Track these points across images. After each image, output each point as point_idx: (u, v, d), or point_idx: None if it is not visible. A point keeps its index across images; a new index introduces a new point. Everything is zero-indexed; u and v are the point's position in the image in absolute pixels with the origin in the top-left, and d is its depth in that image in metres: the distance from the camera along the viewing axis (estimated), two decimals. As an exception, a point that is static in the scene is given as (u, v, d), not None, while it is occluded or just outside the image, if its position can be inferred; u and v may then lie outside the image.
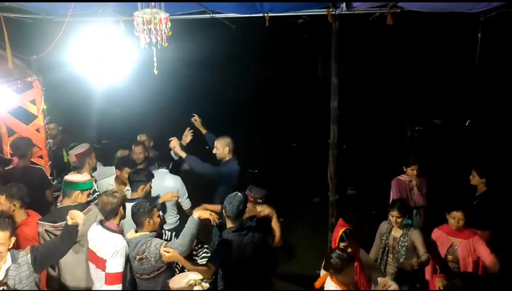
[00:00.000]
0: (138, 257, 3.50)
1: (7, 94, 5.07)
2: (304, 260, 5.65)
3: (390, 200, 5.21)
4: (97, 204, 3.75)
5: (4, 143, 5.67)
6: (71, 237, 3.37)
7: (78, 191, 3.89)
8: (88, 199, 4.10)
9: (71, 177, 3.98)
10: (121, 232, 3.70)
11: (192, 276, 3.45)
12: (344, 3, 4.22)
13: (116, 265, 3.54)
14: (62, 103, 6.41)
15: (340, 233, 3.63)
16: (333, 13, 4.48)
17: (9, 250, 3.26)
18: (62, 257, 3.49)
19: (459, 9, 4.26)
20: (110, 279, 3.52)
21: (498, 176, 5.01)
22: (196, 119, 5.43)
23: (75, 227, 3.31)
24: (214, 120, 8.59)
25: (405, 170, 5.19)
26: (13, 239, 3.28)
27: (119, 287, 3.55)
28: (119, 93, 7.06)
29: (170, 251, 3.41)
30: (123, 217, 3.77)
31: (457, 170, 6.61)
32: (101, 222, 3.70)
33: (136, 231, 3.64)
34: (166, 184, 4.86)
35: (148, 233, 3.59)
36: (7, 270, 3.21)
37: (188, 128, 5.32)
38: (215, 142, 5.00)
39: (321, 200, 6.72)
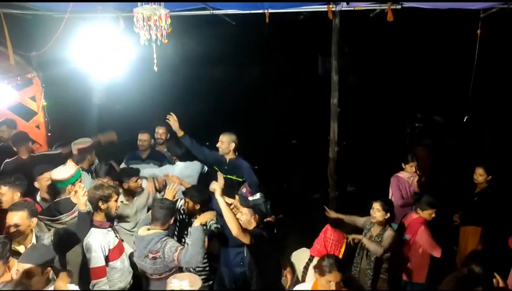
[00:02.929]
0: (150, 255, 3.48)
1: (7, 90, 5.07)
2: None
3: (390, 197, 5.22)
4: None
5: (4, 139, 5.68)
6: (86, 222, 3.46)
7: (70, 185, 3.89)
8: None
9: (57, 175, 3.92)
10: (104, 227, 3.69)
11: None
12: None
13: (95, 260, 3.57)
14: (62, 99, 6.40)
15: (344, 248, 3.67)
16: (333, 9, 4.48)
17: (32, 230, 3.33)
18: (80, 242, 3.51)
19: (459, 5, 4.26)
20: (93, 273, 3.58)
21: (499, 173, 5.02)
22: (173, 119, 4.92)
23: (86, 213, 3.41)
24: (214, 117, 8.64)
25: (404, 167, 5.20)
26: (35, 220, 3.34)
27: (105, 279, 3.60)
28: (119, 90, 7.06)
29: None
30: (109, 213, 3.73)
31: (456, 168, 6.64)
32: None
33: (148, 229, 3.63)
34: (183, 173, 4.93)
35: (161, 231, 3.58)
36: None
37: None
38: (220, 136, 4.84)
39: (321, 196, 6.73)
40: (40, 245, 3.17)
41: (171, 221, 3.65)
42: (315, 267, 3.27)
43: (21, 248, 3.27)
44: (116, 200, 3.80)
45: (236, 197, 4.18)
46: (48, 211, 3.88)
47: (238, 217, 3.70)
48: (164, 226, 3.58)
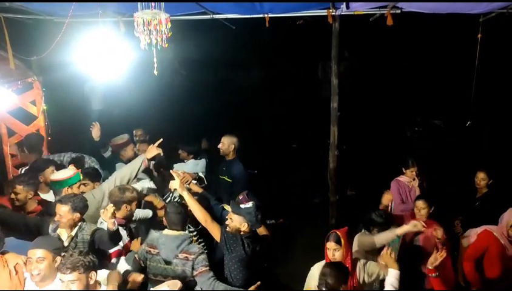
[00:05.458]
0: (183, 255, 3.49)
1: (7, 94, 5.08)
2: (303, 261, 5.64)
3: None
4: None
5: (4, 143, 5.67)
6: (115, 238, 3.49)
7: (66, 187, 4.01)
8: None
9: (56, 176, 4.09)
10: (120, 223, 3.76)
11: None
12: (344, 4, 4.22)
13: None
14: (63, 103, 6.40)
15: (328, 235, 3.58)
16: (333, 13, 4.49)
17: (77, 222, 3.53)
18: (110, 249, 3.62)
19: (459, 10, 4.26)
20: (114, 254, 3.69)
21: (500, 177, 5.00)
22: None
23: (114, 231, 3.39)
24: (214, 121, 8.63)
25: (404, 171, 5.18)
26: (77, 215, 3.51)
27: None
28: (120, 94, 7.07)
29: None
30: (129, 215, 3.92)
31: (456, 171, 6.63)
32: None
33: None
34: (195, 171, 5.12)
35: (186, 233, 3.69)
36: (70, 240, 3.48)
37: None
38: (222, 138, 5.04)
39: (321, 201, 6.72)
40: (48, 235, 3.35)
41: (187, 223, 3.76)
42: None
43: (64, 236, 3.52)
44: (137, 204, 4.01)
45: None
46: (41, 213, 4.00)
47: (227, 223, 3.73)
48: (184, 229, 3.66)
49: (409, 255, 4.29)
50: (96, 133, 5.33)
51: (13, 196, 4.04)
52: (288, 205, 7.01)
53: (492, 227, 4.21)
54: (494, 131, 7.89)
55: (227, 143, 4.95)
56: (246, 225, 3.68)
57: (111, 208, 3.37)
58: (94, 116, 7.82)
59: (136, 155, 5.21)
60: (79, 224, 3.56)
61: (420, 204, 4.40)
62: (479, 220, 4.85)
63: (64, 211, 3.44)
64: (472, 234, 4.35)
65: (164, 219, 3.77)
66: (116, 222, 3.39)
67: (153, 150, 4.38)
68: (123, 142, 5.34)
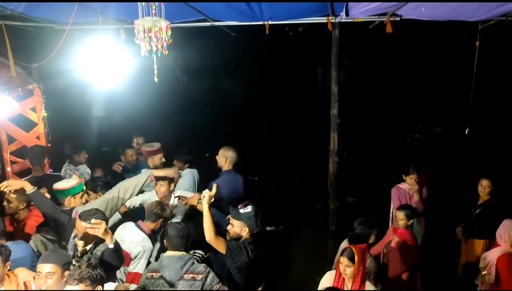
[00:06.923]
0: (189, 276, 3.44)
1: (8, 101, 5.09)
2: (304, 267, 5.63)
3: (391, 208, 5.18)
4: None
5: (4, 150, 5.67)
6: (117, 257, 3.37)
7: (69, 197, 4.04)
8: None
9: (59, 185, 4.11)
10: (149, 236, 3.91)
11: None
12: (344, 10, 4.23)
13: (139, 266, 3.73)
14: (63, 110, 6.41)
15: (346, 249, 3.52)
16: (332, 21, 4.50)
17: (94, 238, 3.44)
18: (118, 268, 3.58)
19: (458, 17, 4.27)
20: (131, 277, 3.73)
21: (501, 184, 4.99)
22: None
23: (113, 249, 3.29)
24: (214, 128, 8.65)
25: (404, 178, 5.16)
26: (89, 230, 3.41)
27: (135, 286, 3.69)
28: (120, 101, 7.09)
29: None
30: (159, 229, 4.02)
31: (457, 177, 6.61)
32: (136, 221, 4.01)
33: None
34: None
35: (188, 254, 3.65)
36: (84, 254, 3.46)
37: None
38: (220, 150, 5.04)
39: (321, 207, 6.70)
40: (58, 249, 3.31)
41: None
42: None
43: (80, 246, 3.48)
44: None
45: None
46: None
47: (228, 228, 3.74)
48: (185, 250, 3.61)
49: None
50: (117, 167, 5.61)
51: (5, 203, 4.09)
52: (288, 209, 7.00)
53: (500, 249, 4.06)
54: (494, 137, 7.89)
55: (221, 156, 4.95)
56: (247, 229, 3.68)
57: (98, 224, 3.23)
58: (95, 123, 7.86)
59: (163, 165, 5.31)
60: (96, 239, 3.49)
61: (400, 215, 4.41)
62: (480, 227, 4.85)
63: (82, 227, 3.38)
64: (488, 258, 4.15)
65: (165, 241, 3.73)
66: (114, 238, 3.31)
67: (163, 172, 4.44)
68: (152, 150, 5.35)
